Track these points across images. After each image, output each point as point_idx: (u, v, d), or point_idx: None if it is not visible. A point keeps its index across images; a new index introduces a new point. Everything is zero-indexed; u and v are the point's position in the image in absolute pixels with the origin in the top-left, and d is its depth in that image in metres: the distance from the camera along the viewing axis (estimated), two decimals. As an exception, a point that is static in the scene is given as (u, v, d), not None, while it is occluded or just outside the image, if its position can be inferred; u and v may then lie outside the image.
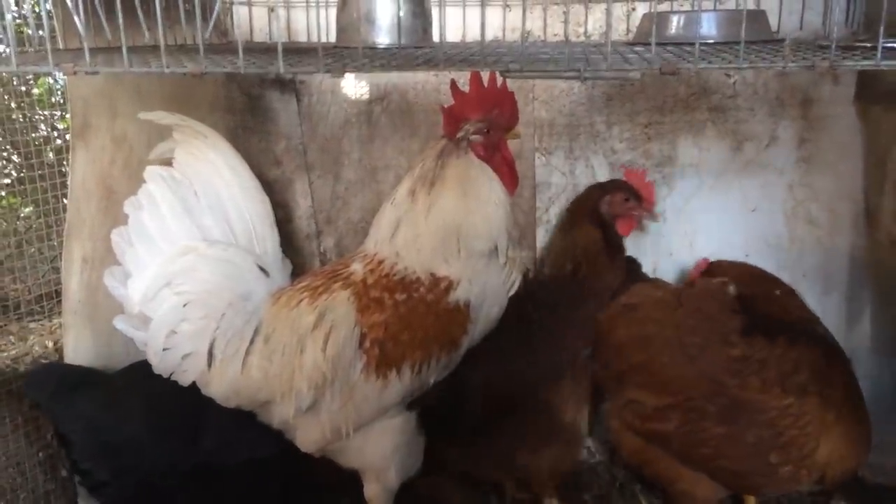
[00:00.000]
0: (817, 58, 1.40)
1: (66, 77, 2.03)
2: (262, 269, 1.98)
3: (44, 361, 2.27)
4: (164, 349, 1.89)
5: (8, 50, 1.56)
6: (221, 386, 1.89)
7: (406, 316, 1.84)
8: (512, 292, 1.99)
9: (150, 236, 1.91)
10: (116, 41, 1.56)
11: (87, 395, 2.02)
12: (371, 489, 2.00)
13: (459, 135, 1.89)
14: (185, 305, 1.89)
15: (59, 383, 2.04)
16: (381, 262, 1.90)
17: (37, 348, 2.31)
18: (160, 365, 1.90)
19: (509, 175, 1.94)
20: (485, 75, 1.87)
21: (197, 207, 1.96)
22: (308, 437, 1.93)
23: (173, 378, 1.92)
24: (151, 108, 2.13)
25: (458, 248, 1.86)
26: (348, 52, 1.82)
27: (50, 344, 2.33)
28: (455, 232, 1.86)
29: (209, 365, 1.88)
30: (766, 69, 1.95)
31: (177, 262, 1.90)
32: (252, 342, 1.89)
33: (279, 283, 2.01)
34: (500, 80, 1.88)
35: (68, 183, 2.16)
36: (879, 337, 2.44)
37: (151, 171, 1.95)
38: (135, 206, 1.93)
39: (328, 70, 1.51)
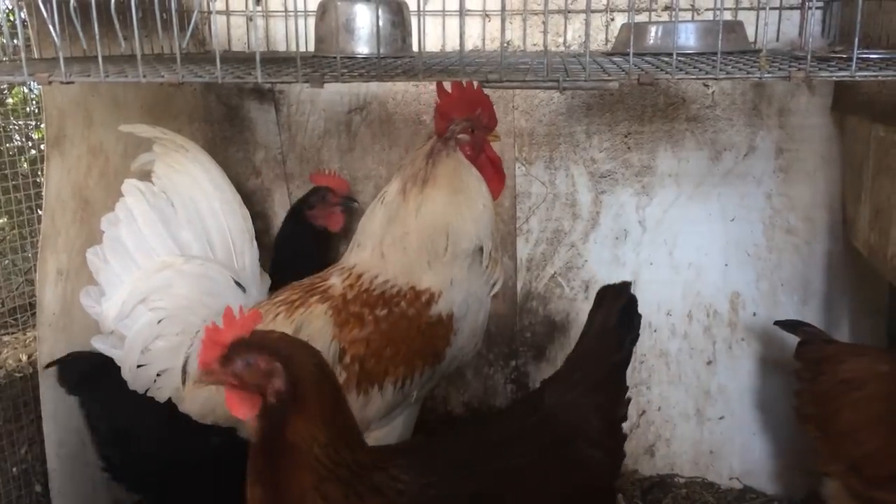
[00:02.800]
0: (793, 69, 1.41)
1: (41, 86, 2.00)
2: (239, 284, 1.96)
3: (18, 376, 2.23)
4: (138, 366, 1.87)
5: (-19, 59, 1.54)
6: (196, 403, 1.87)
7: (388, 332, 1.83)
8: (494, 291, 1.98)
9: (127, 252, 1.89)
10: (92, 50, 1.54)
11: (108, 383, 1.99)
12: None
13: (447, 134, 1.90)
14: (159, 322, 1.87)
15: (84, 372, 2.04)
16: (360, 276, 1.89)
17: (10, 361, 2.27)
18: (135, 382, 1.88)
19: (496, 175, 1.96)
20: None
21: (175, 221, 1.94)
22: None
23: (149, 395, 1.89)
24: (128, 118, 2.11)
25: (446, 246, 1.85)
26: (327, 61, 1.81)
27: (24, 357, 2.30)
28: (444, 231, 1.85)
29: (183, 382, 1.86)
30: (743, 80, 1.96)
31: (153, 279, 1.88)
32: None
33: (256, 298, 1.99)
34: (475, 84, 1.89)
35: (43, 193, 2.13)
36: (857, 345, 2.45)
37: (129, 185, 1.93)
38: (111, 222, 1.91)
39: (307, 80, 1.50)
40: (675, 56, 1.49)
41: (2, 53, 1.93)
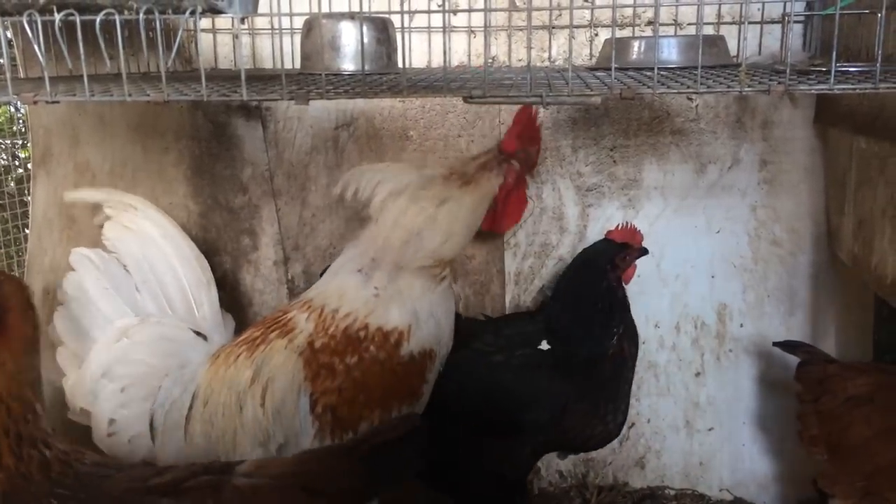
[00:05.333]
0: (773, 82, 1.42)
1: (27, 105, 2.00)
2: (199, 333, 1.96)
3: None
4: (108, 435, 1.87)
5: (-34, 79, 1.54)
6: (169, 457, 1.85)
7: (360, 379, 1.81)
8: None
9: (81, 329, 1.89)
10: (78, 69, 1.55)
11: None
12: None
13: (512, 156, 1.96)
14: (122, 390, 1.87)
15: None
16: (321, 313, 1.88)
17: (-3, 381, 2.25)
18: (110, 449, 1.88)
19: (516, 210, 2.04)
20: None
21: (128, 285, 1.94)
22: None
23: (124, 458, 1.88)
24: (115, 136, 2.11)
25: (432, 251, 1.86)
26: (313, 78, 1.82)
27: (11, 377, 2.28)
28: (446, 237, 1.87)
29: (153, 439, 1.86)
30: (723, 94, 1.98)
31: (112, 350, 1.88)
32: (191, 408, 1.86)
33: (219, 343, 1.98)
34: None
35: (30, 212, 2.13)
36: (845, 356, 2.47)
37: (77, 256, 1.93)
38: (61, 297, 1.92)
39: (292, 97, 1.51)
40: (656, 71, 1.51)
41: (-13, 73, 1.94)
